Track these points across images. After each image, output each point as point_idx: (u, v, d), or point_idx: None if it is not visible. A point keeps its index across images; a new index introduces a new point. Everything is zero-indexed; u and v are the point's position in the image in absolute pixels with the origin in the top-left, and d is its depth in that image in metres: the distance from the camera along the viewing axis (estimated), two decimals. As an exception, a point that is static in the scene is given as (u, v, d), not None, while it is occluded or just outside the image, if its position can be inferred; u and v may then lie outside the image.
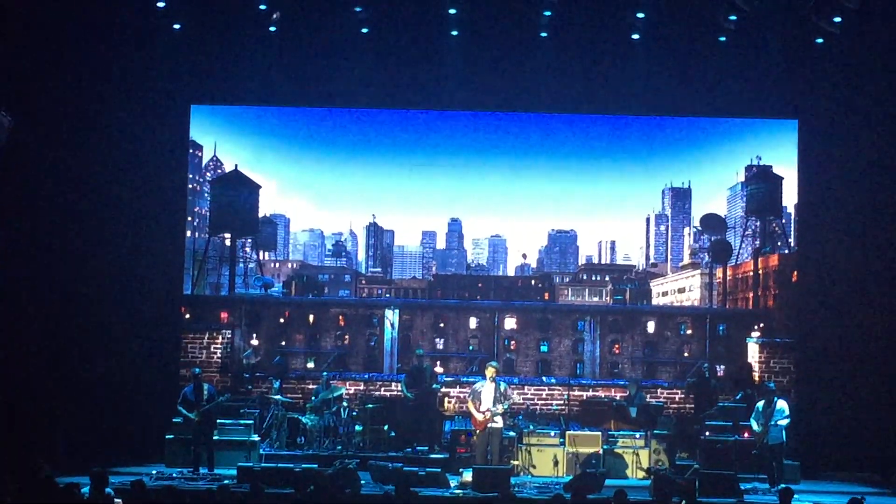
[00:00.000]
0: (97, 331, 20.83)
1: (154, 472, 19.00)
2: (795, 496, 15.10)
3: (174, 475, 18.92)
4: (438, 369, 30.01)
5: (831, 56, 21.73)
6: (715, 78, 22.57)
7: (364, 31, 22.05)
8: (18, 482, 12.80)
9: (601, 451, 20.77)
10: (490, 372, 19.49)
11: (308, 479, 15.85)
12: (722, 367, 42.78)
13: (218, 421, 20.10)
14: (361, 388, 24.69)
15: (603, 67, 22.80)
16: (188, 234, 42.32)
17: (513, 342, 52.05)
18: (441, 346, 51.70)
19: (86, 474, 13.69)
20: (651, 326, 51.54)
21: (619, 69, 22.67)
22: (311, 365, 50.33)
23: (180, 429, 20.25)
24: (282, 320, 51.56)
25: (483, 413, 19.08)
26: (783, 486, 16.47)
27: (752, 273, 63.27)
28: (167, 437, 20.50)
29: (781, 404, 19.26)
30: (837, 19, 20.26)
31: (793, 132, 23.32)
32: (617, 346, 51.23)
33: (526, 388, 24.78)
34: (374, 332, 51.15)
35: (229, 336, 25.91)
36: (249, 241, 66.06)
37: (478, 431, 19.39)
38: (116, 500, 13.02)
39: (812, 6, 20.46)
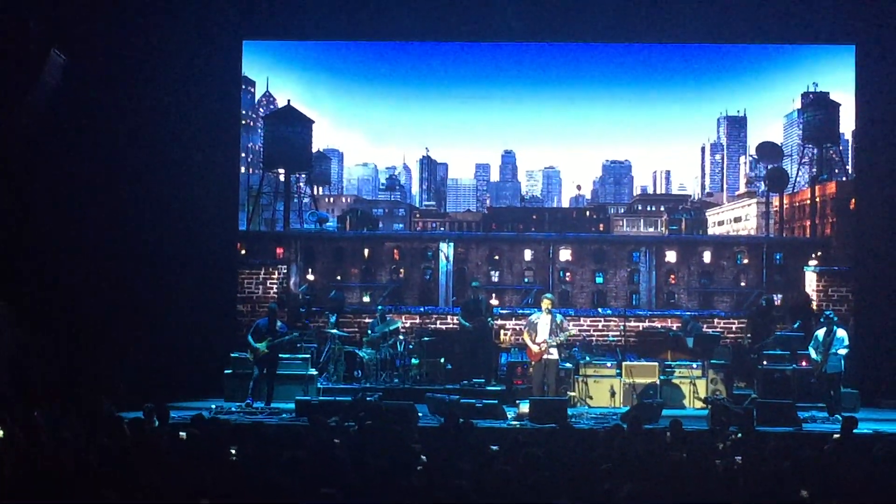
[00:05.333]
0: (154, 268, 20.98)
1: (213, 406, 19.19)
2: (855, 425, 15.05)
3: (233, 409, 19.12)
4: (494, 302, 30.03)
5: (889, -22, 21.30)
6: (770, 3, 22.17)
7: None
8: (82, 420, 12.96)
9: (658, 382, 20.78)
10: (546, 304, 19.50)
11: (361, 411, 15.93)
12: (779, 296, 42.56)
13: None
14: (417, 321, 24.76)
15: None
16: (242, 169, 42.53)
17: (568, 274, 52.08)
18: (496, 279, 51.84)
19: (142, 410, 13.89)
20: (707, 256, 51.37)
21: (673, -4, 22.35)
22: (366, 299, 50.67)
23: (239, 364, 20.45)
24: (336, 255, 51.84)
25: (538, 344, 19.10)
26: (847, 414, 16.44)
27: (809, 201, 62.79)
28: (226, 371, 20.71)
29: (842, 333, 19.11)
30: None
31: (850, 58, 22.88)
32: (673, 276, 51.12)
33: (582, 319, 24.74)
34: (428, 266, 51.33)
35: (285, 271, 26.04)
36: (303, 176, 66.29)
37: (533, 363, 19.44)
38: (181, 433, 13.17)
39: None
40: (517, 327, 23.28)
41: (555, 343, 19.19)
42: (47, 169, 19.27)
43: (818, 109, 59.65)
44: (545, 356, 19.16)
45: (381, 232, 75.35)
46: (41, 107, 19.07)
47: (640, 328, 24.52)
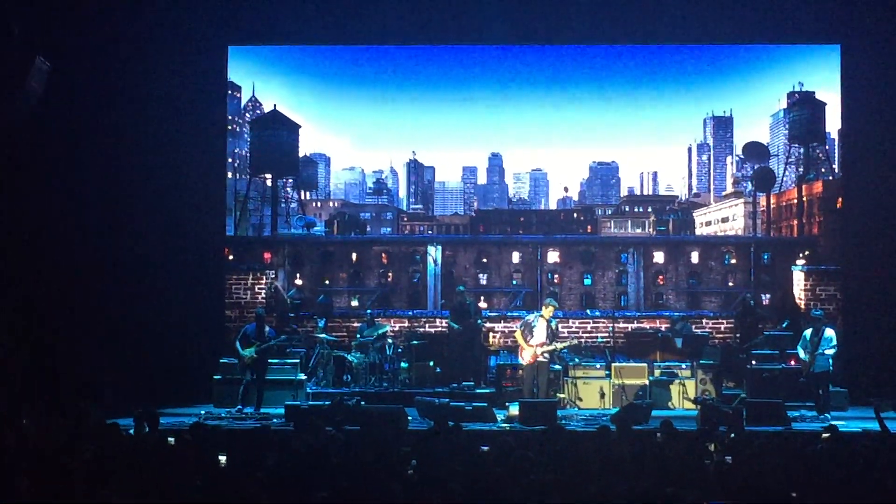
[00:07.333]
0: (142, 274, 20.93)
1: (203, 412, 19.14)
2: (843, 423, 15.12)
3: (223, 415, 19.07)
4: (482, 304, 29.92)
5: (874, -22, 21.35)
6: (755, 3, 22.18)
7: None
8: (69, 426, 12.90)
9: (647, 383, 20.77)
10: (549, 311, 19.29)
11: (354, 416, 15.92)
12: (767, 295, 42.66)
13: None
14: (406, 324, 24.74)
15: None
16: (229, 175, 42.51)
17: (556, 276, 52.13)
18: (484, 282, 51.87)
19: (132, 416, 13.83)
20: (695, 257, 51.47)
21: (658, -3, 22.35)
22: (355, 303, 50.68)
23: (228, 369, 20.41)
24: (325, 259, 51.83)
25: (534, 347, 18.98)
26: (828, 420, 16.50)
27: (796, 200, 62.95)
28: (215, 377, 20.67)
29: (829, 333, 19.13)
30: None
31: (835, 57, 22.92)
32: (661, 277, 51.19)
33: (571, 321, 24.74)
34: (416, 269, 51.35)
35: (273, 276, 25.99)
36: (290, 181, 66.31)
37: (524, 365, 19.38)
38: (169, 438, 13.13)
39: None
40: (507, 330, 23.28)
41: (554, 348, 19.12)
42: (32, 176, 19.21)
43: (804, 109, 59.87)
44: (538, 359, 19.11)
45: (369, 236, 75.37)
46: (25, 114, 19.02)
47: (629, 329, 24.52)
